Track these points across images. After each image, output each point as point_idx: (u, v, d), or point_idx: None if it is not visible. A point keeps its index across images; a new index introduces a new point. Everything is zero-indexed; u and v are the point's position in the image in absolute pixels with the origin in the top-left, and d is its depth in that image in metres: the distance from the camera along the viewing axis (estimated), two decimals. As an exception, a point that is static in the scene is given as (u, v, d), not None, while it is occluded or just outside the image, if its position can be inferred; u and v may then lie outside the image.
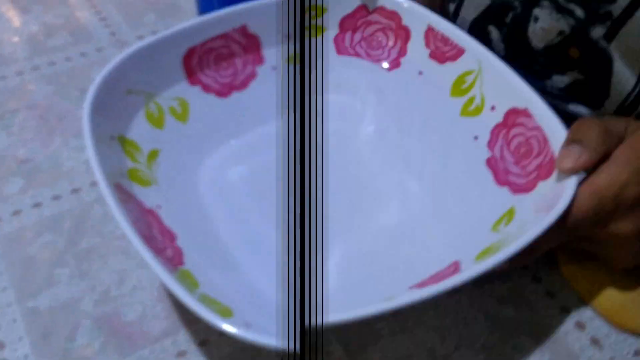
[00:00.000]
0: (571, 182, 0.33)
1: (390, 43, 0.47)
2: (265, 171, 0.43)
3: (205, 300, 0.30)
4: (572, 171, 0.33)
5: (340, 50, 0.48)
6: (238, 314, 0.30)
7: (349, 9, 0.47)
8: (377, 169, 0.44)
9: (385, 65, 0.47)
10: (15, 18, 0.58)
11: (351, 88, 0.48)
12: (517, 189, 0.38)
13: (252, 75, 0.46)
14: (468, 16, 0.48)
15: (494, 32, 0.46)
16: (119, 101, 0.39)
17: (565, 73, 0.43)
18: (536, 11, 0.42)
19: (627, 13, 0.38)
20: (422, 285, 0.33)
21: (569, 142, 0.34)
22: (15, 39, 0.55)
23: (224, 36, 0.44)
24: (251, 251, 0.38)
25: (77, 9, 0.59)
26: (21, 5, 0.59)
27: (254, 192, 0.42)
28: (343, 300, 0.30)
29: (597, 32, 0.40)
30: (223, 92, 0.45)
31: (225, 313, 0.30)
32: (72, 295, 0.37)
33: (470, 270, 0.30)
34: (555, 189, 0.35)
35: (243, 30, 0.45)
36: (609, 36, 0.39)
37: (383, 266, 0.38)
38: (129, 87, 0.40)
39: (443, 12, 0.52)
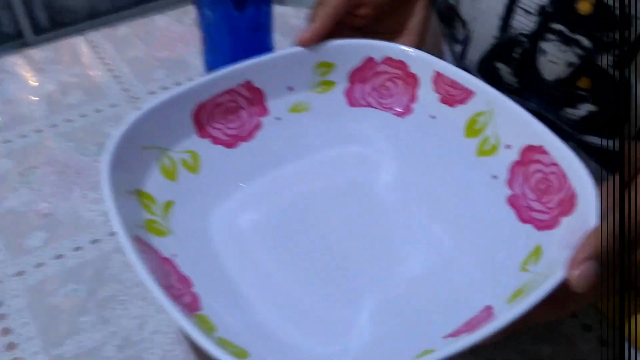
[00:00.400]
0: (593, 217, 0.34)
1: (401, 91, 0.49)
2: (273, 216, 0.45)
3: (223, 343, 0.33)
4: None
5: (352, 102, 0.50)
6: (254, 355, 0.32)
7: (357, 63, 0.49)
8: (400, 216, 0.45)
9: (398, 112, 0.49)
10: (32, 78, 0.61)
11: (366, 138, 0.50)
12: (541, 225, 0.39)
13: (257, 126, 0.48)
14: (475, 56, 0.50)
15: (503, 68, 0.48)
16: (135, 157, 0.42)
17: (579, 106, 0.45)
18: (543, 44, 0.44)
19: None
20: (456, 333, 0.34)
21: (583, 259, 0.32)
22: (33, 98, 0.58)
23: (231, 91, 0.47)
24: (264, 295, 0.40)
25: (91, 67, 0.62)
26: (37, 66, 0.62)
27: (263, 237, 0.44)
28: (380, 354, 0.32)
29: (606, 60, 0.42)
30: (231, 143, 0.47)
31: (242, 355, 0.32)
32: (96, 341, 0.39)
33: (505, 316, 0.31)
34: (578, 225, 0.35)
35: (248, 85, 0.47)
36: (622, 63, 0.41)
37: (415, 315, 0.39)
38: (143, 143, 0.43)
39: (452, 54, 0.54)
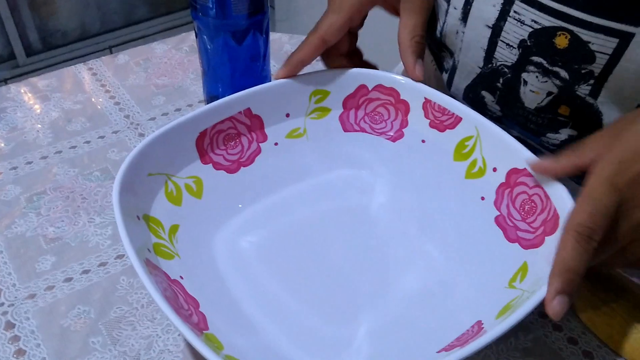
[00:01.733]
0: None
1: (392, 116, 0.52)
2: (273, 239, 0.47)
3: (231, 360, 0.35)
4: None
5: (346, 127, 0.52)
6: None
7: (350, 90, 0.52)
8: (394, 236, 0.48)
9: (390, 137, 0.52)
10: (36, 106, 0.63)
11: (360, 162, 0.52)
12: (527, 244, 0.42)
13: (257, 152, 0.51)
14: (462, 84, 0.53)
15: (488, 97, 0.51)
16: (142, 183, 0.44)
17: (559, 131, 0.48)
18: (524, 75, 0.47)
19: (607, 71, 0.42)
20: (450, 348, 0.37)
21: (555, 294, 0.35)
22: (38, 125, 0.60)
23: (231, 119, 0.49)
24: (267, 314, 0.42)
25: (93, 95, 0.64)
26: (41, 94, 0.64)
27: (264, 259, 0.46)
28: None
29: (583, 90, 0.44)
30: (232, 168, 0.49)
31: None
32: (107, 361, 0.41)
33: (494, 330, 0.33)
34: None
35: (248, 112, 0.50)
36: (594, 92, 0.44)
37: (410, 332, 0.41)
38: (150, 170, 0.45)
39: (437, 81, 0.57)
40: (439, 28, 0.54)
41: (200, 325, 0.38)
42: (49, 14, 1.99)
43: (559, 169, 0.40)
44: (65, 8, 2.00)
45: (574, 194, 0.40)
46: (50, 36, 2.03)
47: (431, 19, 0.59)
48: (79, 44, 2.07)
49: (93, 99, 0.64)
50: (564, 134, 0.48)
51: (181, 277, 0.41)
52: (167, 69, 0.68)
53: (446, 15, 0.51)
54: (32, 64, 1.99)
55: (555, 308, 0.34)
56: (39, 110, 0.62)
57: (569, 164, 0.40)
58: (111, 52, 2.03)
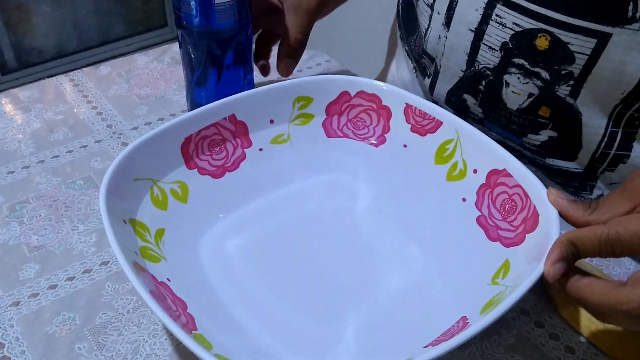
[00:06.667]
0: (554, 233, 0.38)
1: (374, 122, 0.53)
2: (259, 242, 0.48)
3: (221, 359, 0.35)
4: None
5: (329, 133, 0.53)
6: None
7: (333, 96, 0.53)
8: (378, 238, 0.48)
9: (372, 142, 0.53)
10: (17, 117, 0.63)
11: (343, 167, 0.53)
12: (508, 243, 0.43)
13: (242, 157, 0.51)
14: (444, 88, 0.54)
15: (470, 99, 0.52)
16: (128, 188, 0.44)
17: (539, 132, 0.49)
18: (506, 77, 0.48)
19: (586, 71, 0.44)
20: (436, 343, 0.37)
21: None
22: (19, 136, 0.60)
23: (216, 125, 0.50)
24: (254, 316, 0.42)
25: (75, 106, 0.64)
26: (22, 105, 0.64)
27: (250, 261, 0.46)
28: None
29: (563, 90, 0.46)
30: (217, 173, 0.50)
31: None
32: (94, 366, 0.41)
33: (478, 324, 0.34)
34: (541, 239, 0.39)
35: (232, 118, 0.50)
36: (574, 93, 0.45)
37: (397, 329, 0.42)
38: (136, 175, 0.45)
39: (422, 86, 0.58)
40: (422, 35, 0.56)
41: (189, 326, 0.38)
42: (25, 31, 1.97)
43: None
44: (42, 26, 1.99)
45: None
46: (26, 54, 2.01)
47: (409, 27, 0.60)
48: (55, 62, 2.06)
49: (75, 110, 0.64)
50: (544, 135, 0.49)
51: (168, 280, 0.41)
52: (150, 80, 0.68)
53: (430, 21, 0.53)
54: (8, 82, 1.98)
55: (556, 268, 0.35)
56: (20, 121, 0.62)
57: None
58: (88, 70, 2.02)
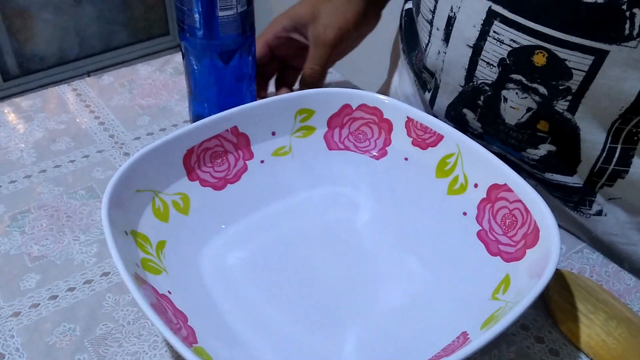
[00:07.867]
0: (554, 249, 0.38)
1: (376, 135, 0.53)
2: (260, 254, 0.48)
3: (221, 372, 0.35)
4: None
5: (330, 146, 0.54)
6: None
7: (334, 109, 0.53)
8: (378, 252, 0.48)
9: (374, 155, 0.53)
10: (20, 126, 0.63)
11: (344, 179, 0.53)
12: (509, 257, 0.43)
13: (243, 169, 0.51)
14: (443, 102, 0.55)
15: (469, 114, 0.53)
16: (129, 199, 0.44)
17: (538, 146, 0.49)
18: (504, 92, 0.49)
19: (584, 87, 0.44)
20: (436, 359, 0.37)
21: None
22: (22, 145, 0.60)
23: (218, 137, 0.50)
24: (254, 329, 0.42)
25: (77, 115, 0.64)
26: (25, 115, 0.64)
27: (251, 274, 0.46)
28: None
29: (561, 105, 0.46)
30: (219, 185, 0.50)
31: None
32: (94, 378, 0.41)
33: (479, 340, 0.34)
34: (542, 255, 0.39)
35: (234, 130, 0.51)
36: (572, 108, 0.46)
37: (397, 344, 0.42)
38: (138, 187, 0.45)
39: (423, 100, 0.59)
40: (422, 50, 0.56)
41: (189, 339, 0.38)
42: (27, 38, 1.98)
43: None
44: (43, 33, 2.00)
45: (554, 208, 0.41)
46: (27, 61, 2.02)
47: (411, 42, 0.61)
48: (57, 68, 2.07)
49: (77, 119, 0.64)
50: (543, 149, 0.49)
51: (169, 292, 0.41)
52: (152, 90, 0.69)
53: (430, 37, 0.53)
54: (9, 89, 1.98)
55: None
56: (22, 130, 0.62)
57: None
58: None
